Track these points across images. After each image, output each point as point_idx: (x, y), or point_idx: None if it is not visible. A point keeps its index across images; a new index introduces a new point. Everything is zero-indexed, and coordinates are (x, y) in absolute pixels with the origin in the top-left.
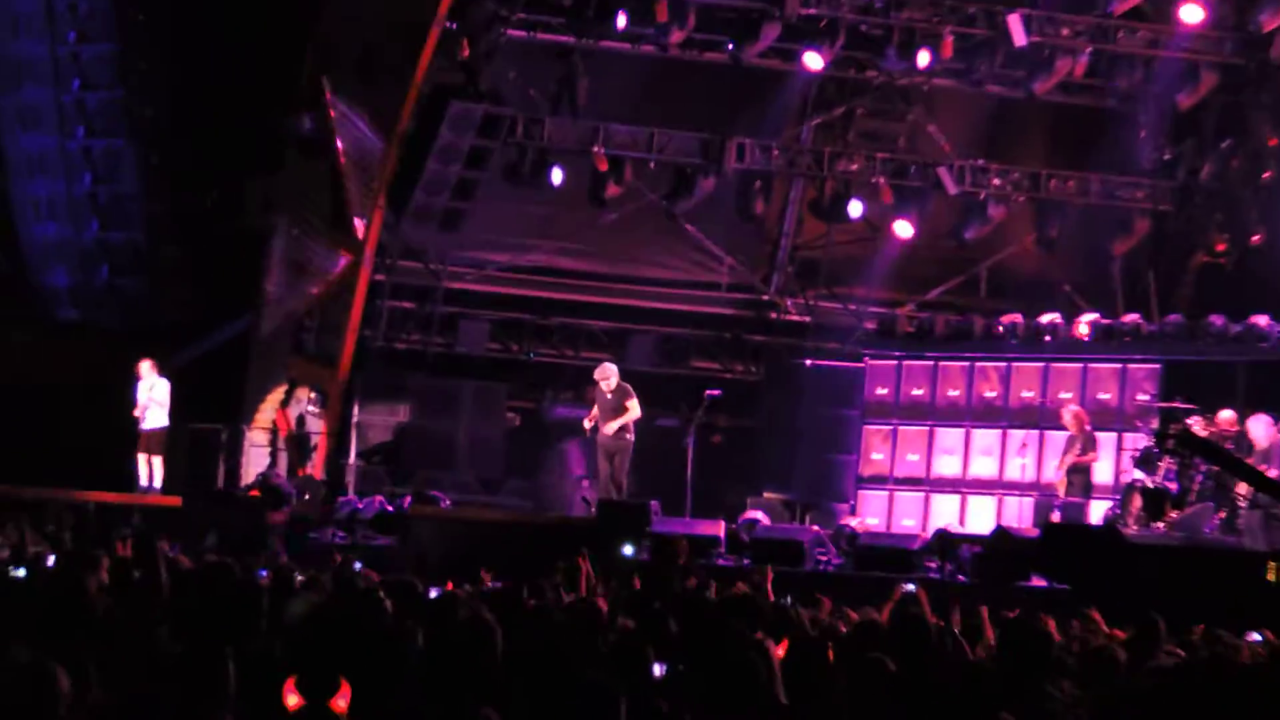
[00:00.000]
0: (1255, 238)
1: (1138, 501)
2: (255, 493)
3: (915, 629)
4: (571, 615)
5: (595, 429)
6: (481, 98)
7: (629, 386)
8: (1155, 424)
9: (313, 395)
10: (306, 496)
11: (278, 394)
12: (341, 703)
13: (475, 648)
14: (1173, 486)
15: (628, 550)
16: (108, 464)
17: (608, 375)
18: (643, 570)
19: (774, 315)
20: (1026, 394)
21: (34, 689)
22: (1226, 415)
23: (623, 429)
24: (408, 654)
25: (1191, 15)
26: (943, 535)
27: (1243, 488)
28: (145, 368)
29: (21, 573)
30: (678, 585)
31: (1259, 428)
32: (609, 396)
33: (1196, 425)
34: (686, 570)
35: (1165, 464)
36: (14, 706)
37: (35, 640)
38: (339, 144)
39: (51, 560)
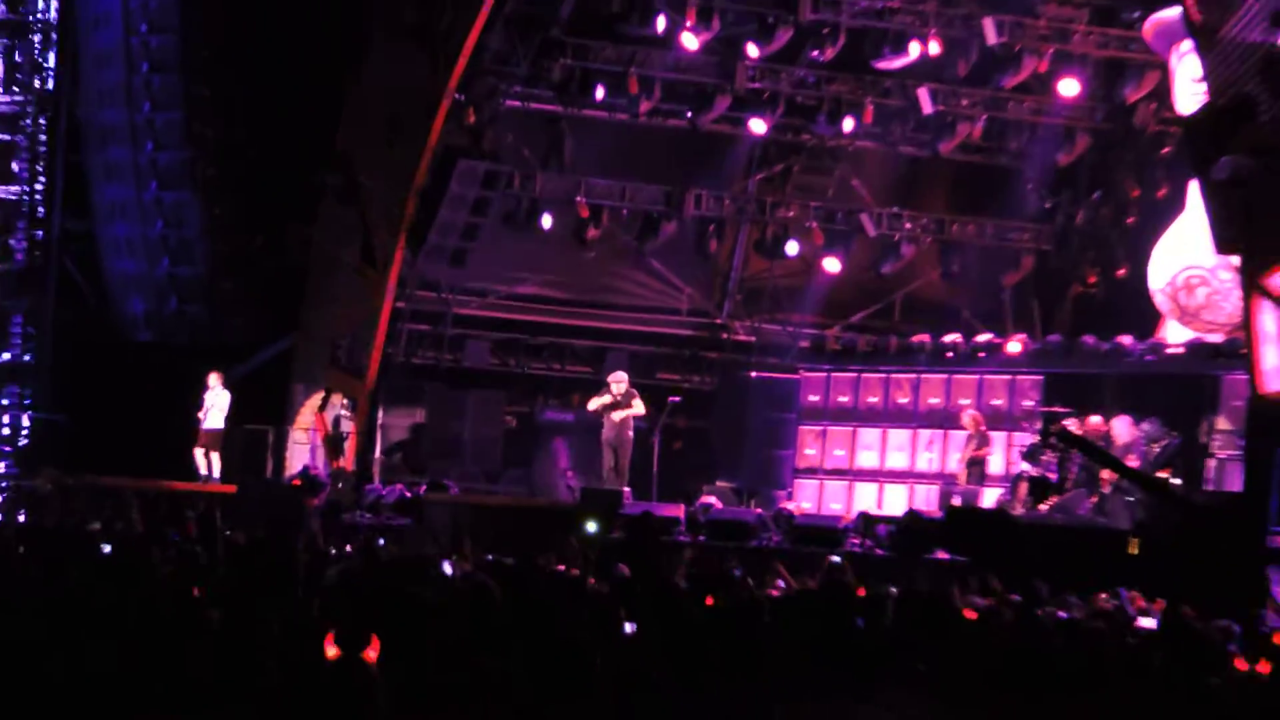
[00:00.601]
0: (1120, 271)
1: (1024, 489)
2: (297, 482)
3: (840, 592)
4: (559, 584)
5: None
6: (484, 157)
7: (635, 391)
8: (1038, 425)
9: (345, 401)
10: (339, 485)
11: (316, 400)
12: (372, 654)
13: (479, 608)
14: (1053, 476)
15: (591, 528)
16: (176, 459)
17: (620, 380)
18: (617, 546)
19: (724, 335)
20: (933, 400)
21: None
22: (1095, 418)
23: (624, 425)
24: (424, 613)
25: (1069, 89)
26: (864, 516)
27: (1109, 476)
28: (214, 379)
29: (108, 548)
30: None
31: (1122, 427)
32: (618, 398)
33: (1072, 425)
34: (662, 546)
35: (1047, 458)
36: None
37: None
38: (367, 196)
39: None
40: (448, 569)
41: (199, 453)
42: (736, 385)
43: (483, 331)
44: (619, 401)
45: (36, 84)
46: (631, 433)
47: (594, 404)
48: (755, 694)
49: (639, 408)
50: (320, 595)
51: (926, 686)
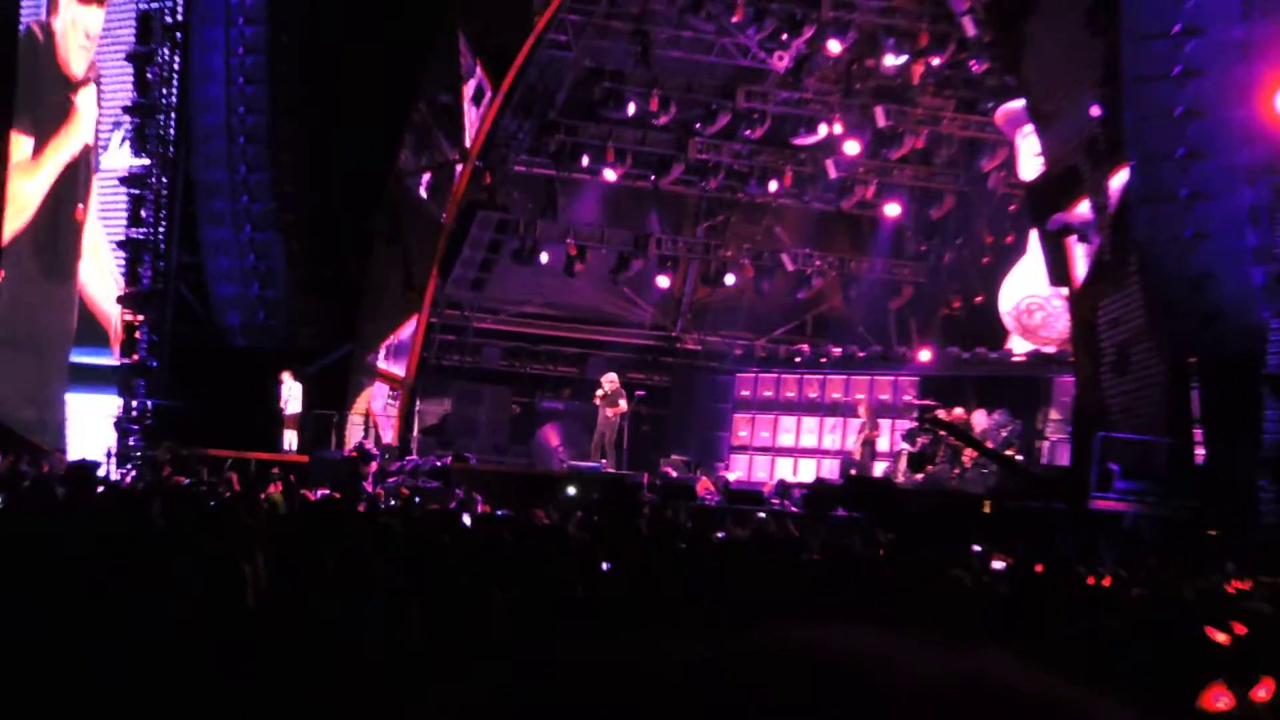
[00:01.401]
0: (978, 299)
1: (904, 463)
2: (354, 454)
3: (765, 540)
4: (549, 532)
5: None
6: (497, 208)
7: (623, 389)
8: (915, 414)
9: (391, 393)
10: (386, 456)
11: (369, 392)
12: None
13: (490, 550)
14: (925, 453)
15: (570, 490)
16: (264, 436)
17: (613, 381)
18: (595, 503)
19: (678, 345)
20: (835, 395)
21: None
22: (959, 410)
23: (616, 413)
24: (448, 553)
25: (940, 159)
26: (782, 483)
27: (970, 454)
28: (286, 376)
29: (212, 504)
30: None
31: (979, 416)
32: (609, 395)
33: (941, 414)
34: (636, 503)
35: (922, 439)
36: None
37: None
38: (409, 236)
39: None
40: (466, 520)
41: (286, 432)
42: (687, 383)
43: (495, 340)
44: (609, 395)
45: (160, 151)
46: (617, 421)
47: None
48: (703, 617)
49: (624, 405)
50: (375, 537)
51: (836, 612)
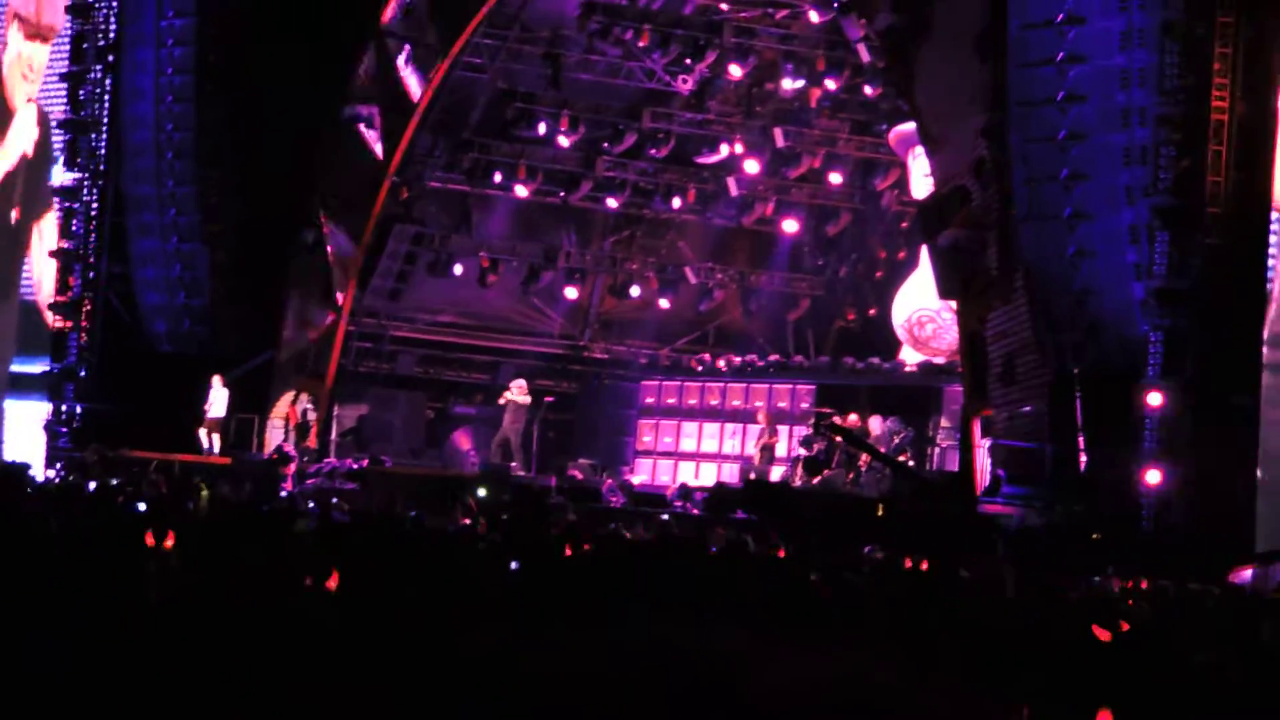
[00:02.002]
0: (872, 311)
1: (801, 468)
2: (274, 456)
3: (668, 541)
4: (463, 534)
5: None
6: (413, 222)
7: (530, 396)
8: (812, 421)
9: (310, 398)
10: (305, 459)
11: (289, 396)
12: (332, 583)
13: (406, 549)
14: (821, 458)
15: (481, 492)
16: (189, 439)
17: (521, 385)
18: (506, 505)
19: (585, 354)
20: (735, 402)
21: None
22: (853, 416)
23: (516, 418)
24: (365, 553)
25: (836, 178)
26: (684, 486)
27: (864, 459)
28: (216, 381)
29: (142, 506)
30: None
31: (875, 423)
32: (515, 398)
33: (837, 420)
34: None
35: (818, 445)
36: None
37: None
38: (329, 248)
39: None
40: (387, 522)
41: (203, 433)
42: (594, 390)
43: (411, 348)
44: (516, 400)
45: (92, 166)
46: (521, 424)
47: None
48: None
49: (525, 400)
50: (292, 539)
51: (732, 610)
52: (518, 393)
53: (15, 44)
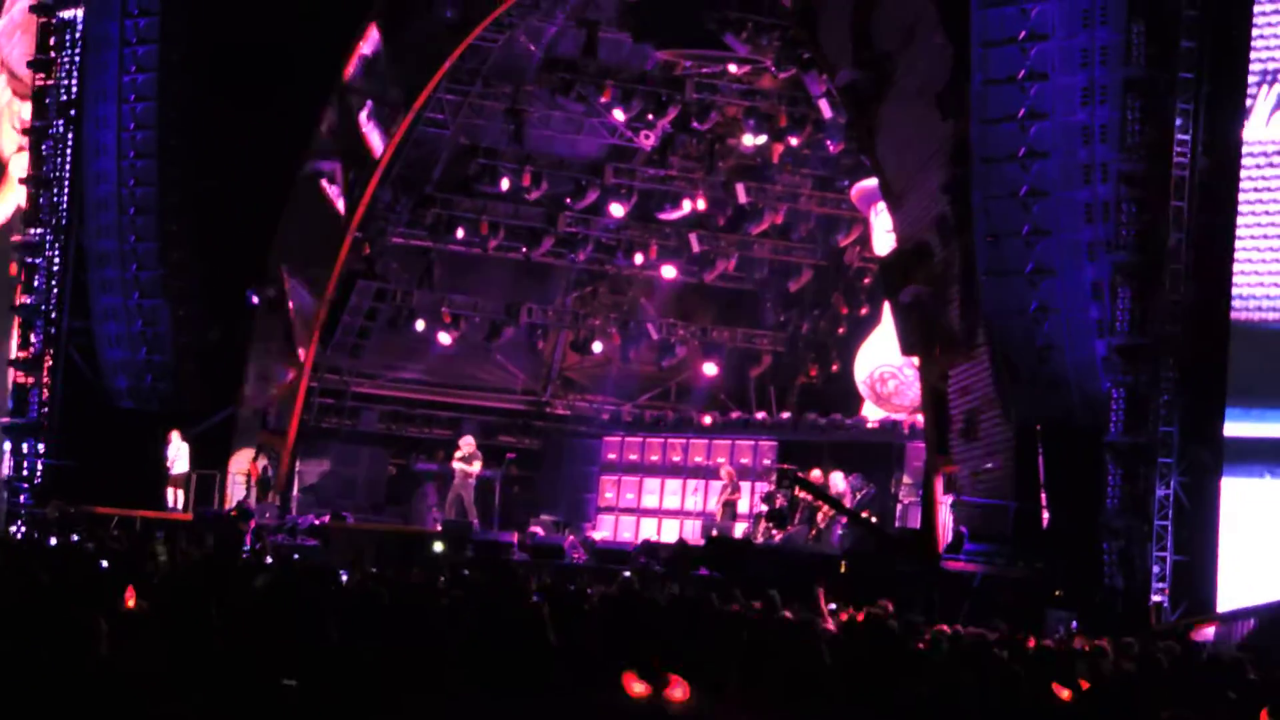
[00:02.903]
0: (834, 367)
1: (764, 524)
2: (234, 512)
3: (630, 597)
4: (424, 589)
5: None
6: (375, 278)
7: (480, 453)
8: (774, 477)
9: (272, 454)
10: (267, 515)
11: (250, 452)
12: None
13: (367, 607)
14: (787, 511)
15: (437, 547)
16: (150, 494)
17: (471, 444)
18: (468, 563)
19: (548, 410)
20: (698, 458)
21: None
22: (816, 472)
23: (467, 476)
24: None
25: (798, 234)
26: (647, 543)
27: (825, 516)
28: (175, 436)
29: (105, 564)
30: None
31: (837, 479)
32: (467, 456)
33: (801, 475)
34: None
35: (780, 500)
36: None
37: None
38: (290, 304)
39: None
40: (344, 577)
41: (170, 491)
42: (556, 446)
43: (372, 405)
44: (466, 458)
45: (54, 222)
46: (474, 481)
47: (456, 463)
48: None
49: (478, 467)
50: (252, 593)
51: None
52: (466, 450)
53: (4, 95)
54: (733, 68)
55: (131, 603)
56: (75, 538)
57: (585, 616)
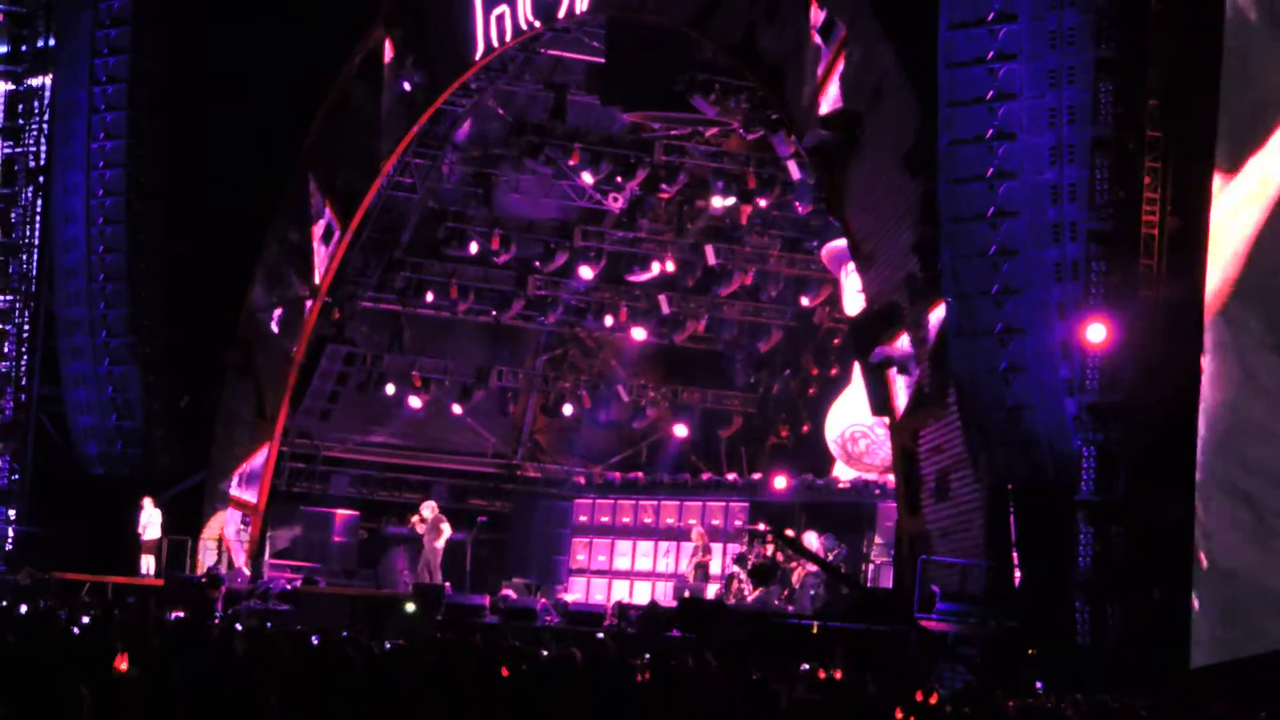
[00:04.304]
0: (805, 428)
1: (735, 585)
2: (205, 579)
3: (601, 661)
4: (398, 655)
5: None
6: (345, 342)
7: (443, 516)
8: (745, 539)
9: (244, 519)
10: (238, 580)
11: (222, 516)
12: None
13: (339, 670)
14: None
15: (409, 608)
16: (121, 560)
17: (433, 508)
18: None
19: (519, 472)
20: (669, 520)
21: None
22: (788, 533)
23: (433, 541)
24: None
25: (767, 295)
26: (620, 605)
27: (798, 577)
28: (148, 502)
29: (76, 630)
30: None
31: (810, 538)
32: (430, 522)
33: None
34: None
35: (753, 558)
36: None
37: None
38: (260, 369)
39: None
40: (314, 640)
41: (143, 558)
42: (527, 508)
43: (342, 469)
44: (429, 521)
45: (24, 289)
46: (440, 545)
47: (420, 528)
48: None
49: (448, 531)
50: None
51: None
52: (429, 512)
53: None
54: (701, 129)
55: (123, 667)
56: (44, 604)
57: (559, 679)
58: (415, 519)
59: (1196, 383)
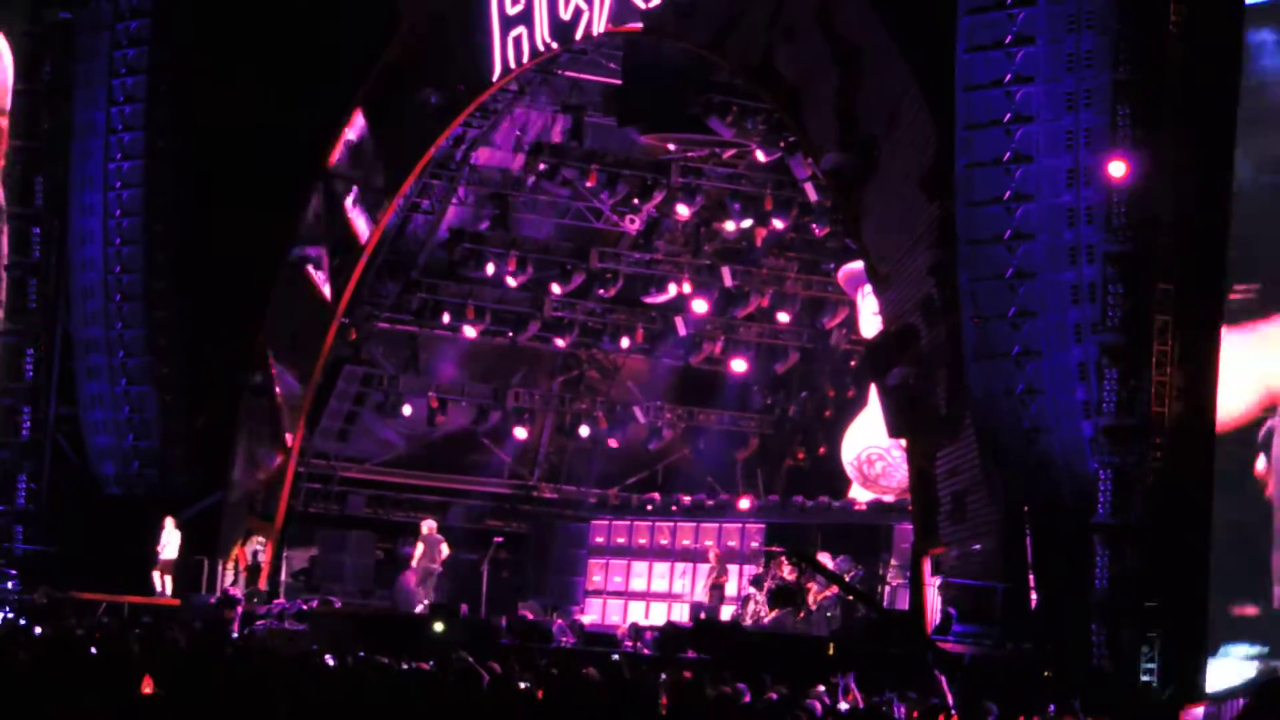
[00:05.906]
0: (821, 450)
1: (751, 606)
2: (221, 599)
3: (618, 681)
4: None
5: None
6: (362, 363)
7: (442, 537)
8: (762, 560)
9: (260, 540)
10: (255, 600)
11: (238, 537)
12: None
13: (360, 691)
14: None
15: (438, 627)
16: (138, 579)
17: (433, 528)
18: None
19: (535, 494)
20: (685, 541)
21: None
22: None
23: (433, 561)
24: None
25: (784, 317)
26: (635, 626)
27: (814, 599)
28: (169, 523)
29: (94, 650)
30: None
31: (825, 560)
32: (428, 539)
33: (786, 565)
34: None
35: (769, 582)
36: None
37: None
38: (278, 389)
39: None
40: (330, 661)
41: (156, 575)
42: (544, 530)
43: (359, 489)
44: (428, 541)
45: (40, 308)
46: (438, 566)
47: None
48: None
49: (445, 550)
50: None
51: None
52: (427, 532)
53: None
54: (718, 151)
55: (148, 689)
56: (62, 623)
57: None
58: (418, 542)
59: (1214, 401)
